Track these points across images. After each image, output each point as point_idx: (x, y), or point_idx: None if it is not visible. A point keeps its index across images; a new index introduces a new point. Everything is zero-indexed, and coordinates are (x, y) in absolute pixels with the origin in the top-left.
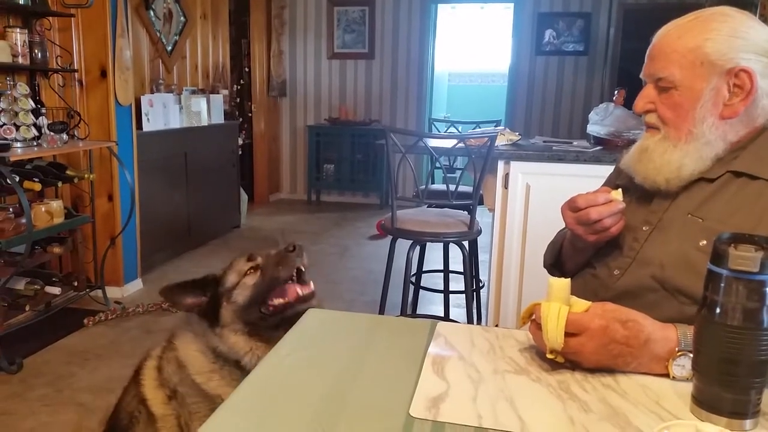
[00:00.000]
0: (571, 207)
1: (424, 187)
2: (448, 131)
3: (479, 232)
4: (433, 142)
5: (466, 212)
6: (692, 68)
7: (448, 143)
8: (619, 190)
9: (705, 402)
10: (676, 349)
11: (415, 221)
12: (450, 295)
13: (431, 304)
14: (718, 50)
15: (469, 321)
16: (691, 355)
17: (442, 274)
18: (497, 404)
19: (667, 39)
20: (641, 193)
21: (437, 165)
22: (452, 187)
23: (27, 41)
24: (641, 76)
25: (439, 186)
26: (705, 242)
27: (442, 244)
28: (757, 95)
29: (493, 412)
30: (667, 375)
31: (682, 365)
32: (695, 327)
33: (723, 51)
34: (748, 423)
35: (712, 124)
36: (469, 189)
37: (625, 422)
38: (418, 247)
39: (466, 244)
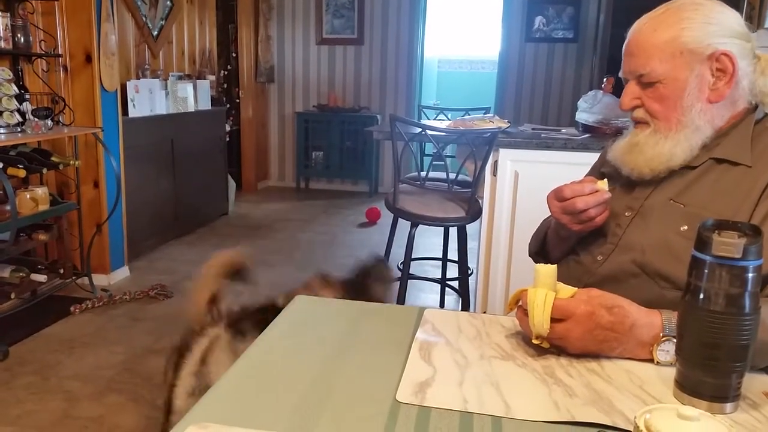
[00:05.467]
0: (557, 197)
1: (424, 173)
2: (438, 118)
3: (480, 212)
4: (431, 130)
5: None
6: (673, 59)
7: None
8: (605, 180)
9: (687, 386)
10: (661, 334)
11: (416, 203)
12: (437, 281)
13: (421, 292)
14: (696, 37)
15: (464, 308)
16: (675, 341)
17: (429, 261)
18: (483, 389)
19: (643, 34)
20: (625, 181)
21: (426, 153)
22: (451, 175)
23: (9, 25)
24: (620, 74)
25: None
26: (686, 227)
27: (430, 230)
28: (739, 76)
29: (479, 396)
30: (651, 360)
31: (666, 350)
32: (679, 312)
33: (700, 38)
34: (728, 406)
35: (700, 110)
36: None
37: (609, 406)
38: (405, 233)
39: (465, 228)
